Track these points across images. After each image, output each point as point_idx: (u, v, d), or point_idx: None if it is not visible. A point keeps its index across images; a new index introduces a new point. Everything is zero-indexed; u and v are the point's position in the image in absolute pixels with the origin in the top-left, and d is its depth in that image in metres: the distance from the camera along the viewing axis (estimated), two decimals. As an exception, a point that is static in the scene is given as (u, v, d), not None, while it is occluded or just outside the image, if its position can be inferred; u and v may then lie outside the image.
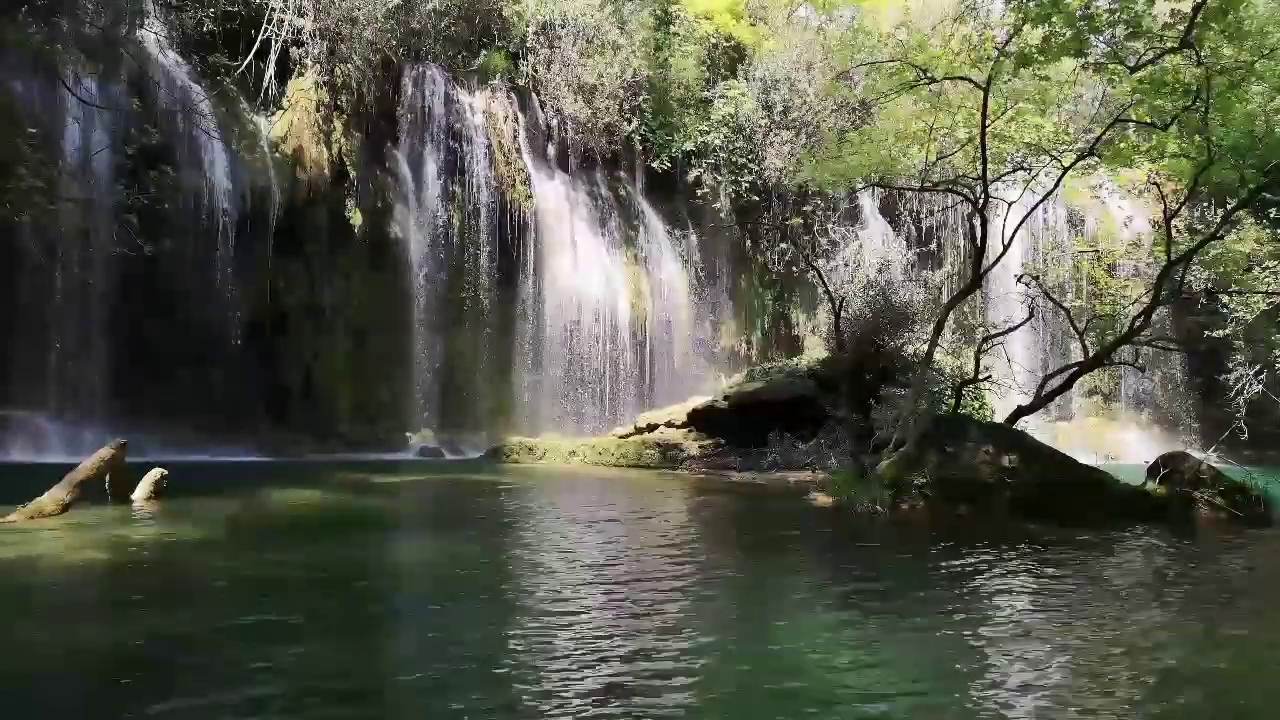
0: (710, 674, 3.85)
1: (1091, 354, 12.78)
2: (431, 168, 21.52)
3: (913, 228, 28.20)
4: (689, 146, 25.37)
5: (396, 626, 4.80)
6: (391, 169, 21.17)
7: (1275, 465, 12.53)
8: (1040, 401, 12.10)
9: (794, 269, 26.75)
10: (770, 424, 16.05)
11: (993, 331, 14.59)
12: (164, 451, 13.86)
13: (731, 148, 25.89)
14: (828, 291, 14.64)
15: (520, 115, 23.49)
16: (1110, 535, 8.21)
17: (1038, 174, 13.15)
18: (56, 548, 6.36)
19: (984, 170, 11.46)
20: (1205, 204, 15.50)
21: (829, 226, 26.18)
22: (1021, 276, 14.24)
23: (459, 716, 3.30)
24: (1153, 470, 10.29)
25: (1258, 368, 19.79)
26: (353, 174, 20.23)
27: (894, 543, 8.27)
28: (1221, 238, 12.60)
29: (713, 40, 26.60)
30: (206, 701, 3.39)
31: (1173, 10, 9.51)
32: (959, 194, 14.43)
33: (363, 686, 3.63)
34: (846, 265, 21.65)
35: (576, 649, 4.11)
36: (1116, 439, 24.20)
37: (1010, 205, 12.67)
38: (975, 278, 12.82)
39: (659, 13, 25.84)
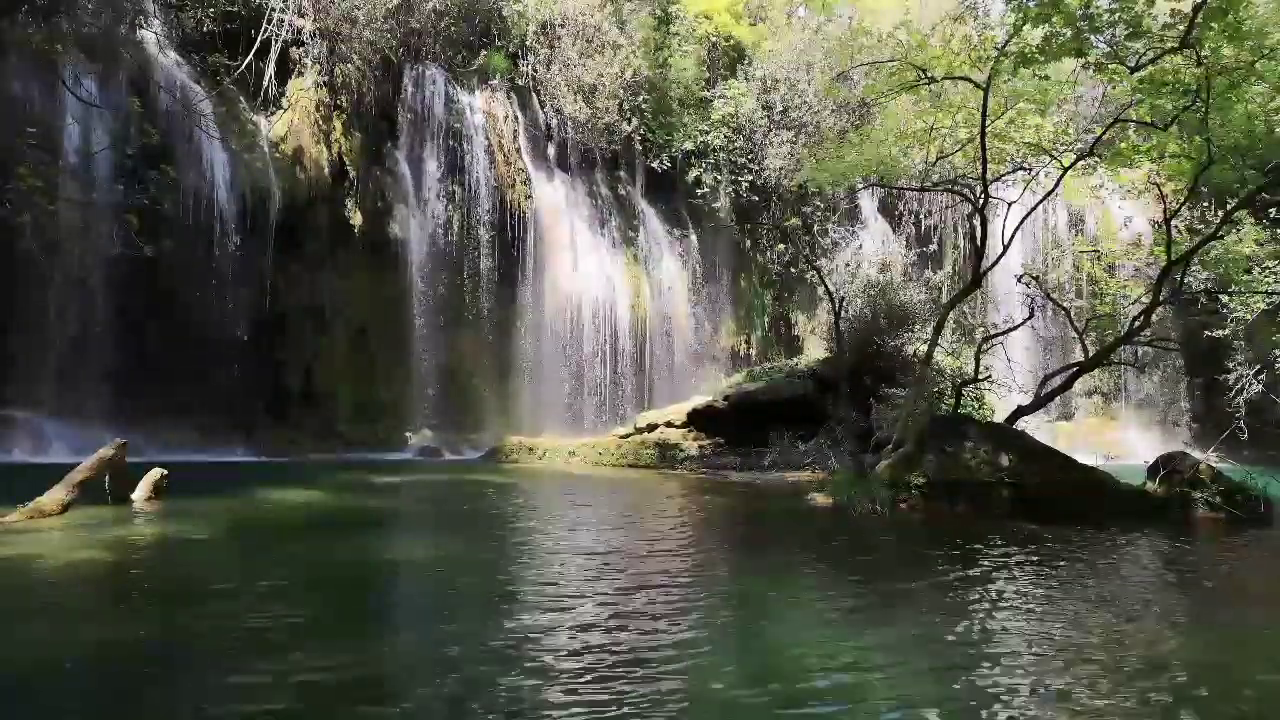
0: (709, 675, 3.85)
1: (1091, 354, 12.78)
2: (431, 168, 21.53)
3: (913, 228, 28.22)
4: (689, 146, 25.39)
5: (397, 627, 4.80)
6: (391, 169, 21.18)
7: (1275, 465, 12.52)
8: (1040, 401, 12.10)
9: (793, 269, 26.77)
10: (770, 424, 16.03)
11: (993, 331, 14.58)
12: (164, 451, 13.87)
13: (731, 148, 25.91)
14: (828, 291, 14.63)
15: (520, 115, 23.50)
16: (1110, 535, 8.21)
17: (1038, 174, 13.15)
18: (56, 548, 6.36)
19: (984, 170, 11.45)
20: (1205, 204, 15.50)
21: (829, 227, 26.22)
22: (1021, 276, 14.24)
23: (461, 717, 3.31)
24: (1153, 470, 10.29)
25: (1258, 368, 19.79)
26: (353, 174, 20.24)
27: (893, 543, 8.27)
28: (1221, 238, 12.59)
29: (712, 40, 26.63)
30: (206, 702, 3.39)
31: (1173, 10, 9.51)
32: (959, 194, 14.43)
33: (364, 687, 3.63)
34: (846, 265, 21.67)
35: (575, 649, 4.11)
36: (1116, 439, 24.21)
37: (1010, 205, 12.67)
38: (975, 278, 12.81)
39: (659, 13, 25.86)
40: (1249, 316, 17.79)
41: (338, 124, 20.20)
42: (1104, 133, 11.63)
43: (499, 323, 22.10)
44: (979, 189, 12.00)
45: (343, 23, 20.08)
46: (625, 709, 3.34)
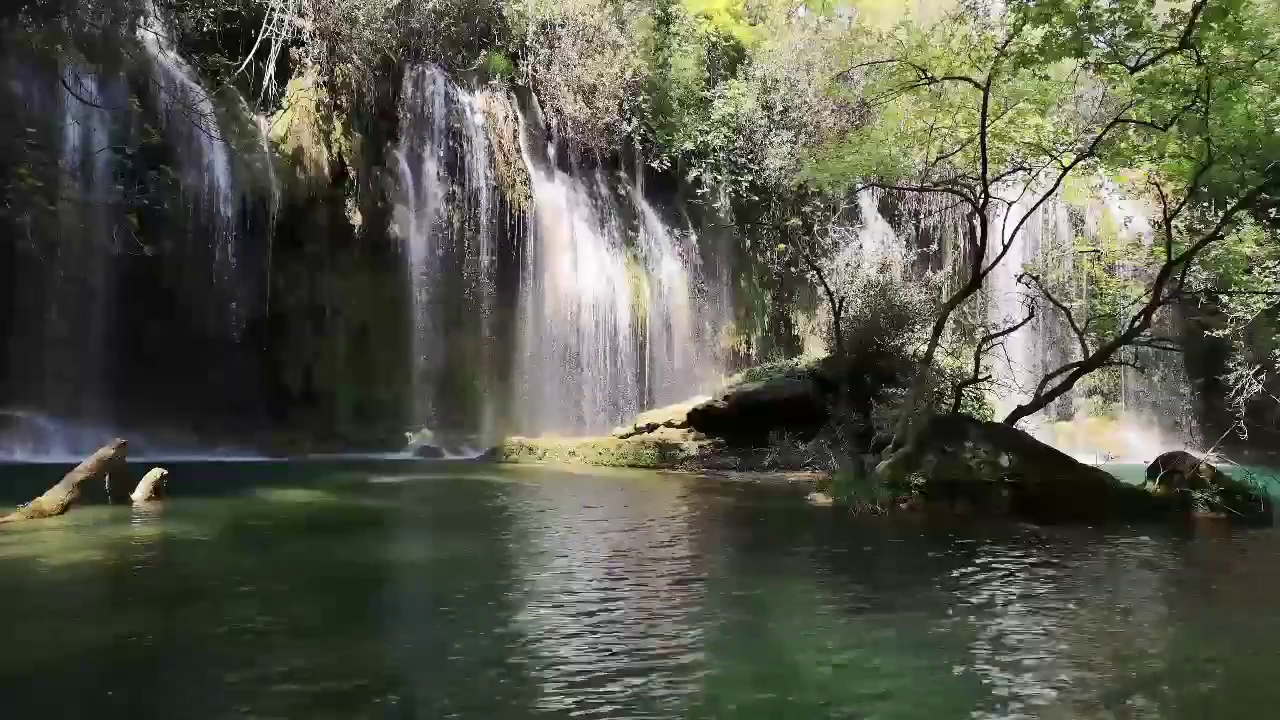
0: (708, 676, 3.85)
1: (1091, 354, 12.77)
2: (431, 168, 21.53)
3: (913, 228, 28.22)
4: (689, 146, 25.39)
5: (397, 628, 4.79)
6: (391, 169, 21.18)
7: (1275, 465, 12.51)
8: (1040, 401, 12.09)
9: (794, 269, 26.77)
10: (770, 424, 16.03)
11: (993, 331, 14.57)
12: (164, 451, 13.87)
13: (731, 148, 25.91)
14: (828, 291, 14.62)
15: (520, 115, 23.51)
16: (1110, 535, 8.20)
17: (1038, 174, 13.13)
18: (56, 548, 6.37)
19: (984, 170, 11.45)
20: (1205, 204, 15.47)
21: (829, 227, 26.21)
22: (1021, 276, 14.21)
23: (462, 718, 3.31)
24: (1153, 470, 10.29)
25: (1258, 368, 19.77)
26: (353, 174, 20.24)
27: (893, 543, 8.26)
28: (1221, 238, 12.58)
29: (712, 40, 26.62)
30: (206, 702, 3.39)
31: (1173, 10, 9.51)
32: (959, 194, 14.42)
33: (363, 688, 3.62)
34: (847, 265, 21.66)
35: (576, 651, 4.11)
36: (1116, 439, 24.21)
37: (1010, 205, 12.66)
38: (975, 278, 12.81)
39: (659, 12, 25.87)
40: (1249, 316, 17.78)
41: (338, 124, 20.20)
42: (1104, 133, 11.61)
43: (499, 323, 22.10)
44: (979, 189, 12.00)
45: (343, 23, 20.08)
46: (625, 712, 3.34)
